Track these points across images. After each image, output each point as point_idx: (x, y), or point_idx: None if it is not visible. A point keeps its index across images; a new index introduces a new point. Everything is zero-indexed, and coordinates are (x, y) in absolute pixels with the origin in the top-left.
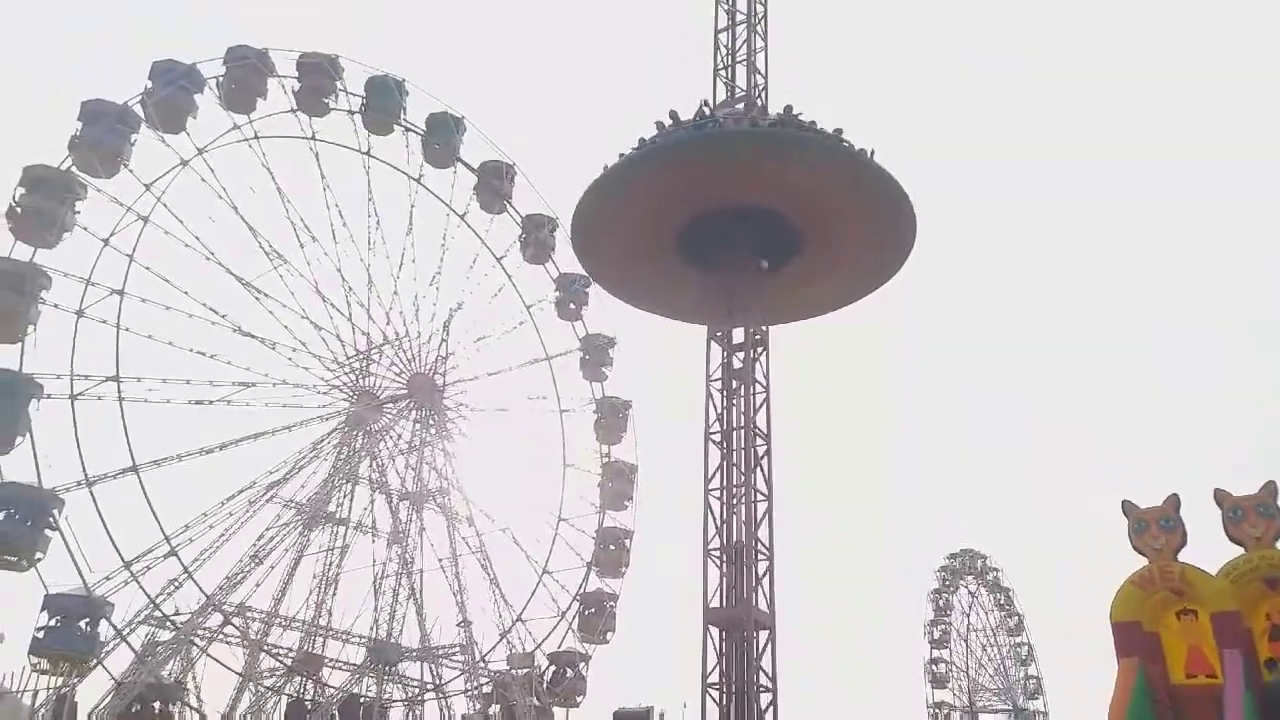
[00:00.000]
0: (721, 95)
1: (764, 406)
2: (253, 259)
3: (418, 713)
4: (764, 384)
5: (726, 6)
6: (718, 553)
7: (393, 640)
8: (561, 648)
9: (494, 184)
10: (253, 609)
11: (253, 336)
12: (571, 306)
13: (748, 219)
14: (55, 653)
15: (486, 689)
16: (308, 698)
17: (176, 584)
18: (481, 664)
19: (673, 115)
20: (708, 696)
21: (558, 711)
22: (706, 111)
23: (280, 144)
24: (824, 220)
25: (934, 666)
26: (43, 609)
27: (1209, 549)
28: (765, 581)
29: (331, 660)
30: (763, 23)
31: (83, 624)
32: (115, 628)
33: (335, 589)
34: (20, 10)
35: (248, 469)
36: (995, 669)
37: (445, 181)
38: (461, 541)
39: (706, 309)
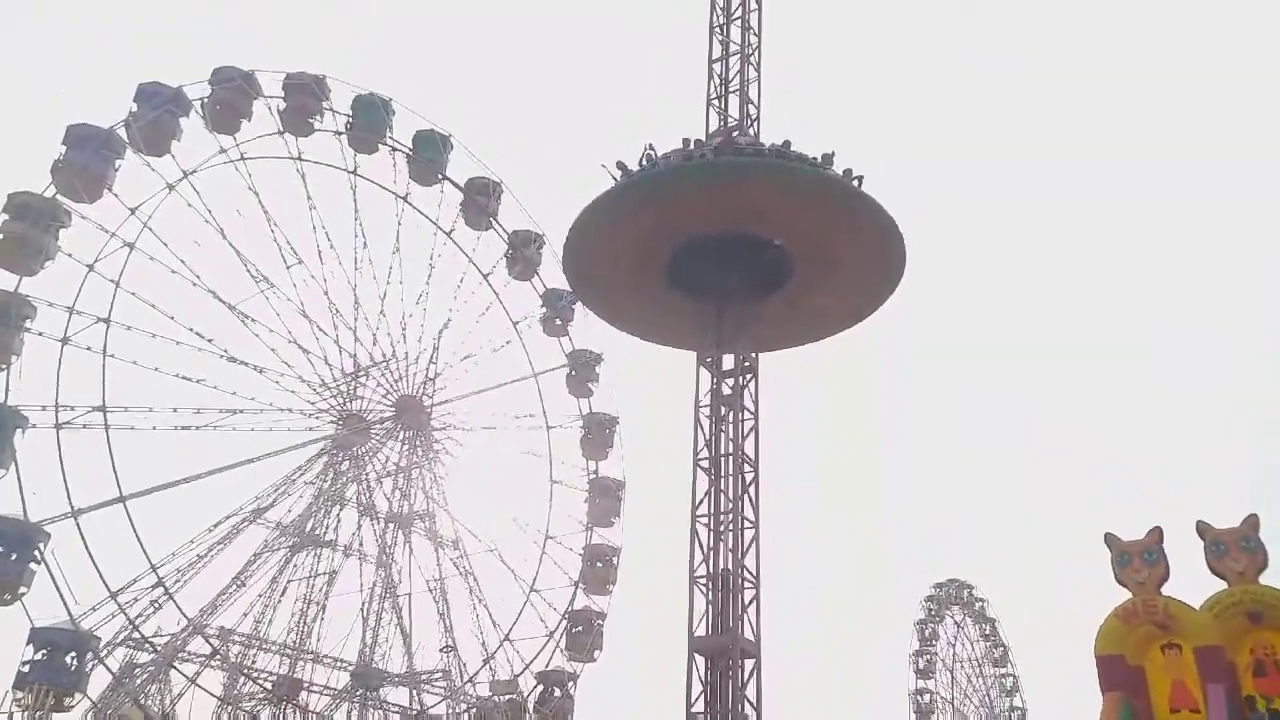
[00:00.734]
0: (715, 123)
1: (752, 433)
2: (240, 283)
3: None
4: (752, 411)
5: (720, 37)
6: (704, 580)
7: (375, 665)
8: (550, 667)
9: (480, 201)
10: (233, 632)
11: (239, 362)
12: (558, 323)
13: (738, 246)
14: (41, 687)
15: (469, 715)
16: None
17: (157, 605)
18: (466, 689)
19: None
20: None
21: None
22: (653, 155)
23: (266, 165)
24: (815, 248)
25: (919, 697)
26: (28, 642)
27: (1195, 578)
28: (751, 610)
29: (312, 684)
30: (756, 54)
31: (69, 658)
32: (98, 655)
33: (321, 613)
34: (2, 33)
35: (235, 494)
36: (980, 700)
37: (432, 200)
38: (449, 563)
39: (696, 335)
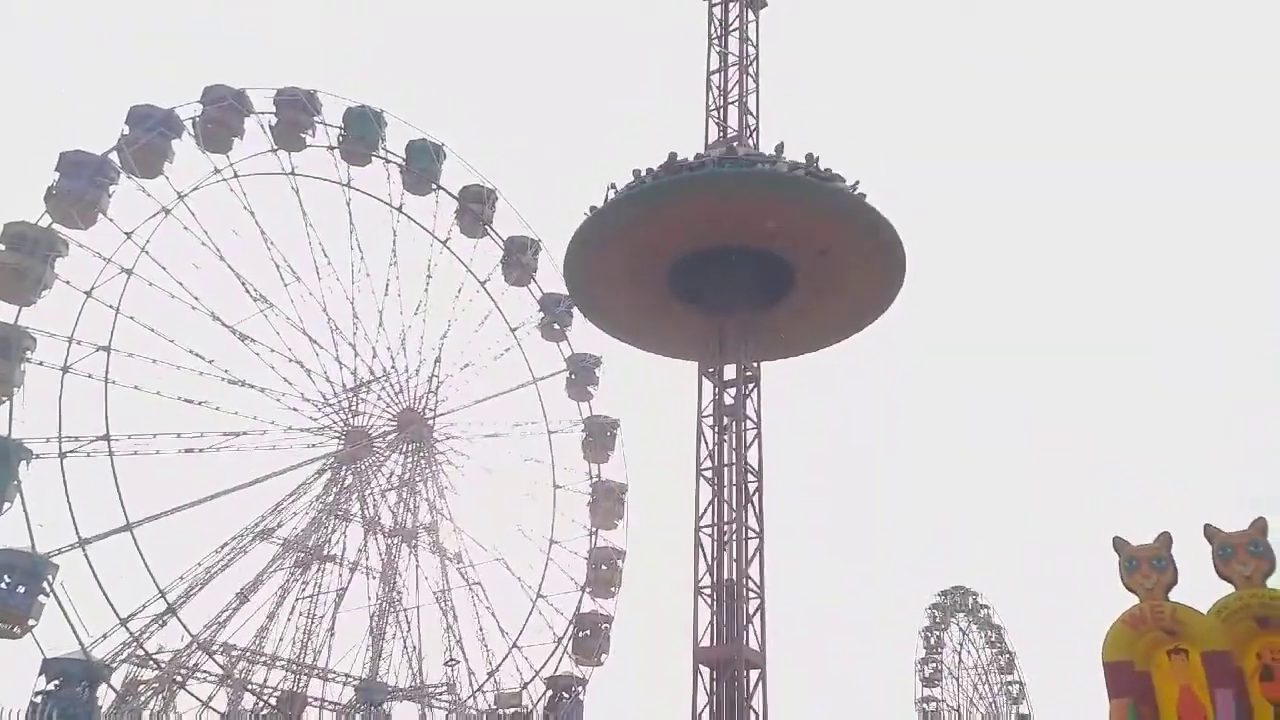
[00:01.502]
0: (714, 135)
1: (755, 443)
2: (239, 302)
3: None
4: (755, 420)
5: (719, 49)
6: (708, 591)
7: (380, 679)
8: (558, 672)
9: (475, 208)
10: (236, 647)
11: (241, 383)
12: (556, 327)
13: (740, 257)
14: (53, 717)
15: None
16: None
17: (161, 621)
18: (472, 701)
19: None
20: None
21: None
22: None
23: (260, 183)
24: (816, 259)
25: (925, 705)
26: (40, 673)
27: (1202, 584)
28: (756, 620)
29: (315, 699)
30: (754, 65)
31: (81, 687)
32: (114, 689)
33: (328, 628)
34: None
35: (242, 514)
36: (987, 707)
37: (427, 209)
38: (455, 574)
39: (697, 346)
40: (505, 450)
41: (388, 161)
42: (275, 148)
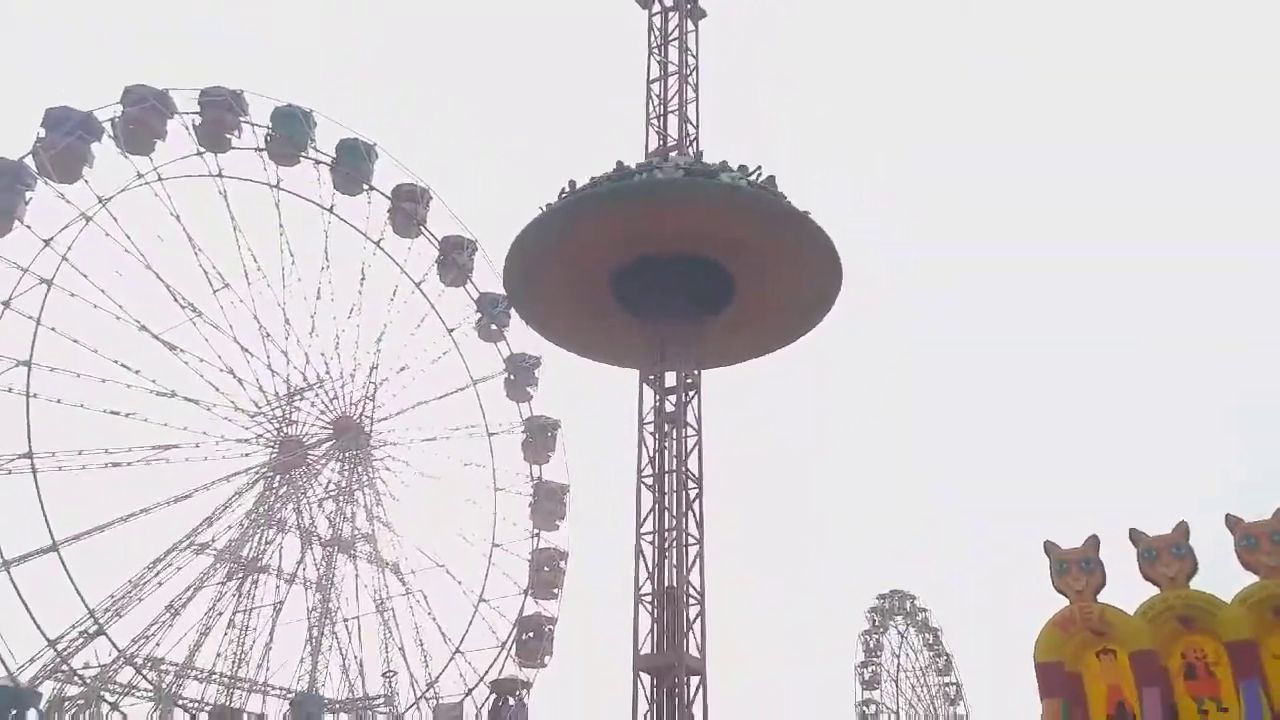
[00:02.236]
0: (654, 143)
1: (695, 449)
2: (166, 310)
3: None
4: (695, 427)
5: (659, 58)
6: (649, 598)
7: (314, 692)
8: (502, 675)
9: (408, 208)
10: (166, 662)
11: (170, 394)
12: (494, 328)
13: (681, 266)
14: None
15: None
16: None
17: (89, 637)
18: (408, 715)
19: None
20: None
21: None
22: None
23: (186, 185)
24: (756, 268)
25: (865, 708)
26: None
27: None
28: (697, 626)
29: (251, 714)
30: (694, 74)
31: (10, 715)
32: (39, 712)
33: (266, 641)
34: None
35: (174, 528)
36: (925, 709)
37: (359, 210)
38: (397, 583)
39: (638, 353)
40: (444, 454)
41: (317, 162)
42: (200, 150)
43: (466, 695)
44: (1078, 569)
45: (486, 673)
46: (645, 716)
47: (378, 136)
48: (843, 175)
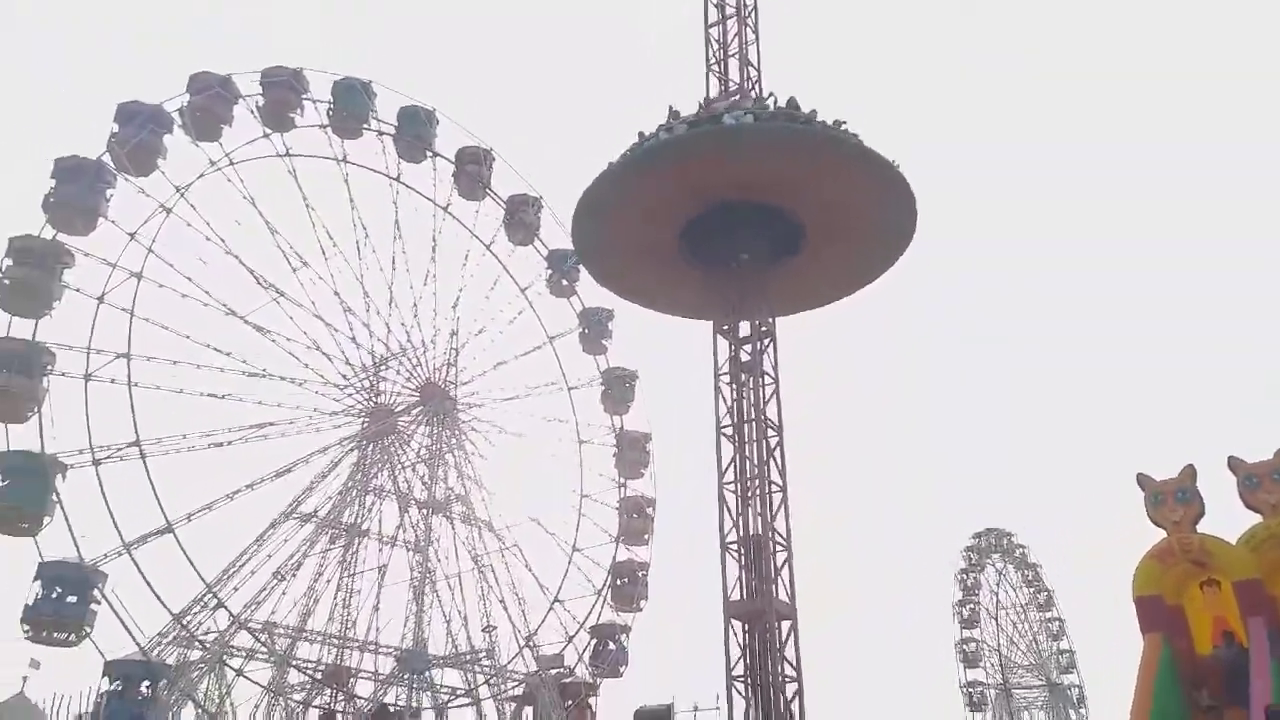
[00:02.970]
0: (715, 89)
1: (774, 398)
2: (250, 293)
3: (446, 719)
4: (773, 375)
5: (716, 1)
6: (735, 546)
7: (420, 648)
8: (600, 621)
9: (472, 170)
10: (280, 626)
11: (262, 373)
12: (565, 283)
13: (752, 212)
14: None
15: (516, 691)
16: (338, 709)
17: (203, 604)
18: (512, 666)
19: (672, 112)
20: (733, 690)
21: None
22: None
23: (256, 167)
24: (827, 211)
25: (965, 646)
26: (103, 675)
27: (1230, 519)
28: (785, 572)
29: (359, 670)
30: (753, 15)
31: (144, 687)
32: (172, 682)
33: (370, 602)
34: None
35: (277, 500)
36: (1027, 645)
37: (425, 177)
38: (493, 539)
39: (710, 304)
40: (527, 412)
41: (380, 133)
42: (267, 131)
43: (568, 643)
44: (1174, 500)
45: (585, 620)
46: (739, 662)
47: (434, 101)
48: (916, 126)
